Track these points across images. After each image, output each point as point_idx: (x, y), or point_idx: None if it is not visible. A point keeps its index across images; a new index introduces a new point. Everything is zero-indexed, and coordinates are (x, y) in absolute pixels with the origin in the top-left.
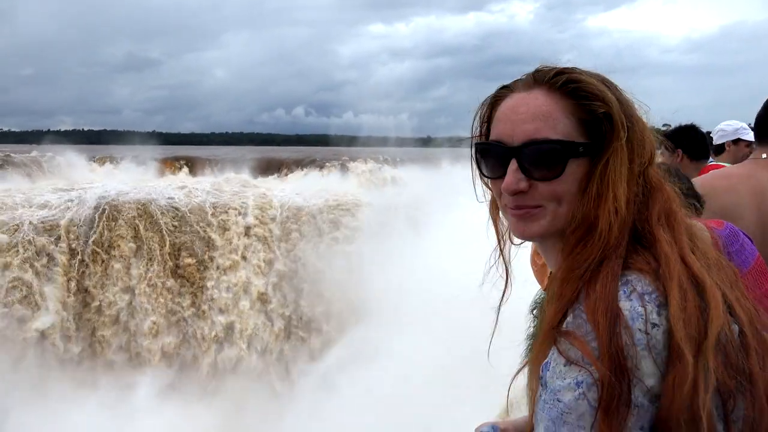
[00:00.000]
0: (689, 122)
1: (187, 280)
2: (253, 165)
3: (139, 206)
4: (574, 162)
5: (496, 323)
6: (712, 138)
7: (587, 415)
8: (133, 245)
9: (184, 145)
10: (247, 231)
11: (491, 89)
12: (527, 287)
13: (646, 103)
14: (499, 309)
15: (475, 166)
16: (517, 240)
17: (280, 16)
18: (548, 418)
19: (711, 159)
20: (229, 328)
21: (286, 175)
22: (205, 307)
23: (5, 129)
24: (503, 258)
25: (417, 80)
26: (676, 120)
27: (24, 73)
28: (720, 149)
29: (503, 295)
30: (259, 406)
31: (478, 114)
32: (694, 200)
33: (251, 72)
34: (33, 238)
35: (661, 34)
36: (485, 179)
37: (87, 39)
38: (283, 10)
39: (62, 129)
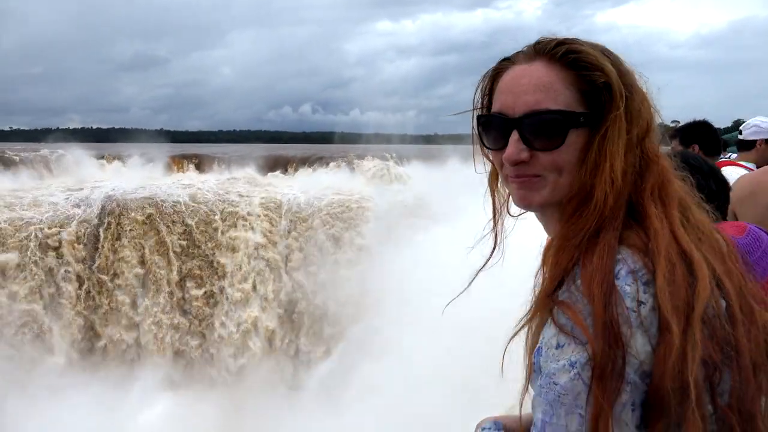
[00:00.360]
0: (701, 118)
1: (195, 317)
2: (261, 163)
3: (146, 222)
4: (575, 132)
5: (469, 285)
6: (741, 131)
7: (583, 395)
8: (139, 270)
9: (191, 143)
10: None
11: None
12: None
13: (657, 100)
14: (477, 273)
15: (477, 138)
16: (514, 211)
17: (287, 14)
18: (546, 402)
19: (727, 155)
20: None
21: (294, 172)
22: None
23: (15, 127)
24: (496, 228)
25: (424, 77)
26: (686, 116)
27: (33, 72)
28: (745, 145)
29: (488, 260)
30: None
31: (480, 86)
32: (710, 198)
33: (258, 70)
34: (39, 259)
35: (671, 29)
36: (486, 151)
37: (95, 37)
38: (290, 9)
39: (71, 127)
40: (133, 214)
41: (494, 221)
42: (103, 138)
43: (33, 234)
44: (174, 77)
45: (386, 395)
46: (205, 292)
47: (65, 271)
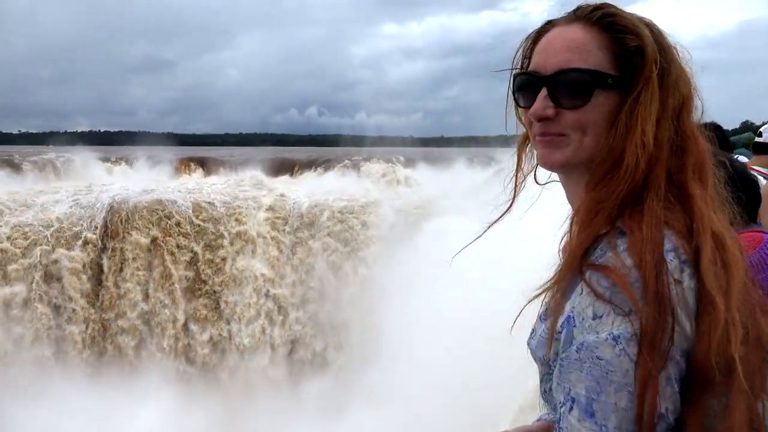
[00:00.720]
0: (710, 120)
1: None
2: (266, 166)
3: (150, 248)
4: (602, 93)
5: (479, 237)
6: (761, 133)
7: (631, 371)
8: (145, 307)
9: (198, 146)
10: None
11: (505, 89)
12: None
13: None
14: (490, 226)
15: (511, 97)
16: (542, 177)
17: (295, 16)
18: (591, 378)
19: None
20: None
21: (299, 175)
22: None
23: (23, 130)
24: (516, 186)
25: (430, 80)
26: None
27: (42, 75)
28: (762, 148)
29: (502, 214)
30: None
31: (521, 48)
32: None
33: (265, 72)
34: (44, 293)
35: (677, 30)
36: (520, 110)
37: (104, 40)
38: (298, 10)
39: (79, 130)
40: (135, 235)
41: (515, 178)
42: (110, 141)
43: (38, 260)
44: (182, 80)
45: (389, 402)
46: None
47: (72, 310)
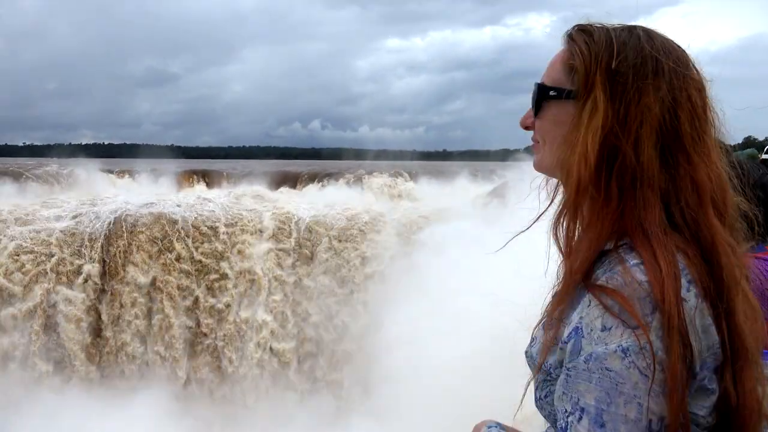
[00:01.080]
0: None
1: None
2: (269, 179)
3: (150, 292)
4: (553, 105)
5: (527, 229)
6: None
7: (641, 384)
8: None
9: (201, 158)
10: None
11: (507, 103)
12: None
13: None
14: (532, 223)
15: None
16: None
17: (299, 32)
18: (600, 389)
19: None
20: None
21: (302, 188)
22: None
23: (28, 143)
24: (550, 191)
25: (433, 94)
26: None
27: (48, 88)
28: None
29: (541, 214)
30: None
31: None
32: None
33: (269, 86)
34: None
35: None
36: None
37: (110, 54)
38: (303, 25)
39: (83, 142)
40: (132, 272)
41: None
42: (114, 153)
43: (40, 303)
44: (186, 93)
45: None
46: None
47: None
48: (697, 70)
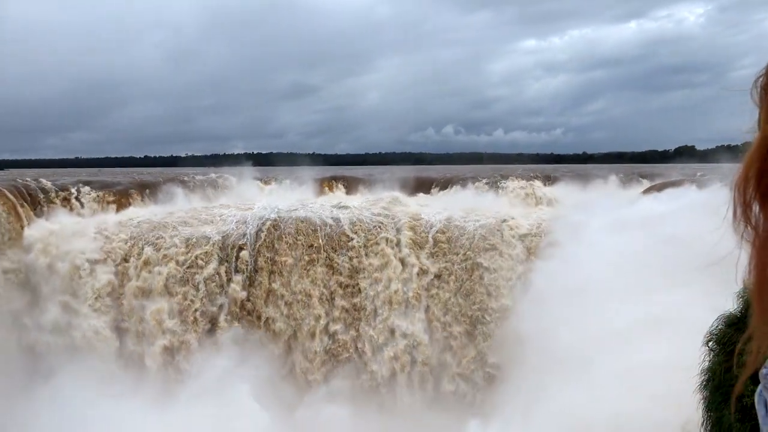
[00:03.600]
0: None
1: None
2: (404, 184)
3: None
4: None
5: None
6: None
7: None
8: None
9: (341, 165)
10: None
11: (655, 101)
12: None
13: None
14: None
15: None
16: None
17: (433, 39)
18: None
19: None
20: None
21: (437, 193)
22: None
23: (189, 154)
24: (747, 218)
25: (572, 94)
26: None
27: (205, 104)
28: None
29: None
30: None
31: None
32: None
33: (403, 93)
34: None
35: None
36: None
37: (258, 71)
38: (436, 32)
39: (235, 152)
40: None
41: (745, 210)
42: (263, 162)
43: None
44: (325, 103)
45: None
46: None
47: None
48: None
